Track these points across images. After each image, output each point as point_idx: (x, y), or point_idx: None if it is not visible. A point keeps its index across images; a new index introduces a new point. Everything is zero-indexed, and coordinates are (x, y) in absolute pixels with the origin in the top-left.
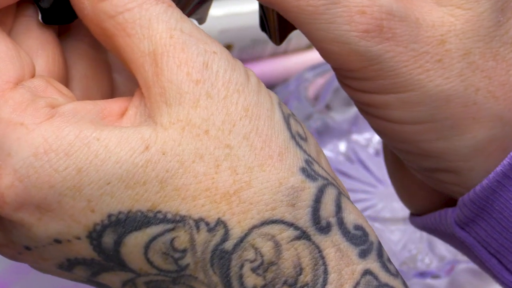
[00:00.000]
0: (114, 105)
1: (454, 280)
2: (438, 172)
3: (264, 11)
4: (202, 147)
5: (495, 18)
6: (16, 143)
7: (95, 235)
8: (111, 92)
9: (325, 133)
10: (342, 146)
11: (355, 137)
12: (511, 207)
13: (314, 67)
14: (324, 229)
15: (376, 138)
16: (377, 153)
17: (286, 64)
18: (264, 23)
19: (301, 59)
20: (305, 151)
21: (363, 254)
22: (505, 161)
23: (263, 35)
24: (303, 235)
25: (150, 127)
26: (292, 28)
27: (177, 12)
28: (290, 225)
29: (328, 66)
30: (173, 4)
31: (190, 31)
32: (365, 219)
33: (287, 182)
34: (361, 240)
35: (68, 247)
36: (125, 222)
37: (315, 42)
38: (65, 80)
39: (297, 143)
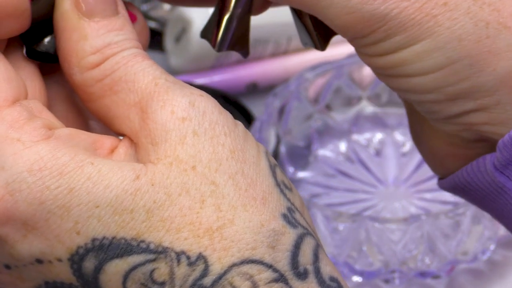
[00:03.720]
0: (106, 140)
1: (454, 280)
2: (466, 115)
3: (301, 20)
4: (189, 182)
5: None
6: (11, 158)
7: (76, 259)
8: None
9: (325, 133)
10: (343, 146)
11: (355, 137)
12: None
13: (314, 67)
14: (302, 275)
15: (376, 138)
16: (377, 153)
17: (287, 64)
18: (304, 33)
19: (301, 59)
20: (288, 199)
21: None
22: None
23: (264, 35)
24: (281, 278)
25: (140, 164)
26: (333, 32)
27: (161, 69)
28: (269, 266)
29: (328, 66)
30: (158, 65)
31: (175, 80)
32: (339, 274)
33: (268, 224)
34: None
35: (48, 268)
36: (108, 248)
37: (325, 21)
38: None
39: (282, 191)
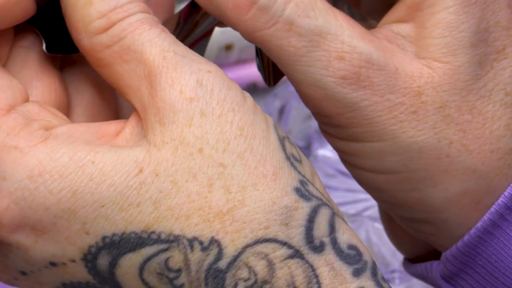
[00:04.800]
0: (109, 126)
1: None
2: (415, 222)
3: (260, 53)
4: (195, 166)
5: (473, 71)
6: (10, 167)
7: (90, 257)
8: (116, 118)
9: None
10: None
11: None
12: (494, 262)
13: None
14: (318, 248)
15: None
16: None
17: None
18: (260, 64)
19: None
20: (299, 172)
21: (357, 273)
22: (486, 217)
23: None
24: (296, 254)
25: (144, 148)
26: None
27: (170, 36)
28: (284, 244)
29: None
30: (166, 30)
31: (184, 52)
32: (359, 239)
33: (280, 201)
34: (355, 259)
35: (63, 270)
36: (119, 244)
37: (294, 84)
38: (65, 107)
39: (292, 164)
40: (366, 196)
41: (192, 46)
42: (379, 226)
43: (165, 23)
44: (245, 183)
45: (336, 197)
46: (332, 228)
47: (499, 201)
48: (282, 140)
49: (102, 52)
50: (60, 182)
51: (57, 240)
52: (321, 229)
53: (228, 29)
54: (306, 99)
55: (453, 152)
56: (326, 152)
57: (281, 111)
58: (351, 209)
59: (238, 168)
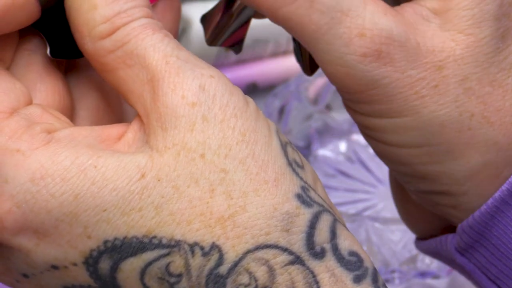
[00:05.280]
0: (111, 129)
1: (454, 280)
2: (434, 195)
3: (298, 41)
4: (197, 172)
5: (494, 44)
6: (13, 170)
7: (91, 261)
8: (120, 122)
9: (326, 133)
10: (343, 146)
11: (356, 137)
12: (510, 233)
13: None
14: (318, 255)
15: None
16: None
17: (287, 64)
18: (298, 53)
19: None
20: (301, 178)
21: (357, 279)
22: (504, 187)
23: (264, 35)
24: (297, 260)
25: (146, 154)
26: None
27: (173, 41)
28: (284, 250)
29: None
30: (170, 35)
31: (186, 57)
32: (360, 246)
33: (281, 207)
34: (356, 265)
35: (65, 273)
36: (121, 248)
37: (318, 63)
38: (69, 111)
39: (294, 170)
40: (366, 196)
41: (230, 38)
42: (379, 226)
43: (169, 29)
44: (247, 189)
45: (336, 197)
46: (333, 235)
47: None
48: (284, 146)
49: (106, 57)
50: (62, 185)
51: (59, 243)
52: (322, 236)
53: None
54: (330, 76)
55: (474, 125)
56: (326, 152)
57: (281, 111)
58: (351, 209)
59: (239, 174)
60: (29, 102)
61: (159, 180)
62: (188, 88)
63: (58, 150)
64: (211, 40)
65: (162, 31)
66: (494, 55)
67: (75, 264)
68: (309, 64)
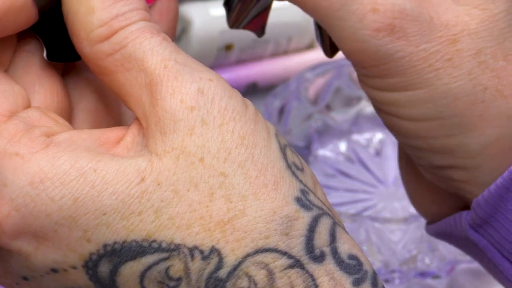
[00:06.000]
0: (110, 133)
1: (454, 280)
2: (447, 169)
3: (318, 24)
4: (197, 176)
5: (509, 20)
6: (12, 173)
7: (91, 265)
8: (119, 125)
9: (325, 133)
10: (343, 146)
11: (355, 137)
12: None
13: (314, 67)
14: (318, 258)
15: (376, 138)
16: (377, 153)
17: (287, 64)
18: (319, 35)
19: (301, 59)
20: (300, 181)
21: (357, 283)
22: None
23: (264, 35)
24: (296, 264)
25: (146, 158)
26: None
27: (171, 45)
28: (284, 253)
29: (328, 66)
30: (168, 38)
31: (185, 61)
32: (359, 249)
33: (281, 211)
34: (355, 269)
35: (64, 276)
36: (120, 252)
37: (334, 39)
38: (67, 113)
39: (293, 173)
40: (366, 196)
41: (252, 22)
42: (379, 226)
43: (167, 31)
44: (246, 192)
45: (336, 197)
46: (332, 238)
47: None
48: (283, 149)
49: (104, 60)
50: (62, 189)
51: (58, 247)
52: (321, 239)
53: (228, 29)
54: (345, 52)
55: (488, 98)
56: (326, 152)
57: (281, 111)
58: (351, 209)
59: (239, 178)
60: (28, 105)
61: (158, 184)
62: (186, 92)
63: (57, 154)
64: (233, 22)
65: (160, 34)
66: (508, 30)
67: (74, 268)
68: (329, 46)
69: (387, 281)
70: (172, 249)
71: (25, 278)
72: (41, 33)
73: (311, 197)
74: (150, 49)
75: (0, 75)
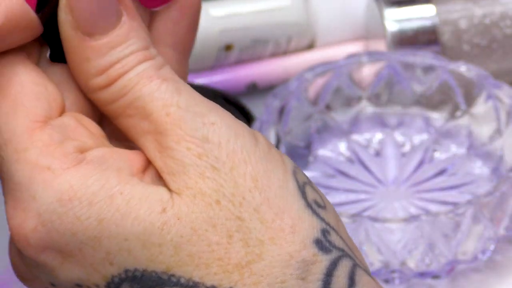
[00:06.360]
0: (140, 157)
1: (454, 280)
2: None
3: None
4: (215, 217)
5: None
6: (41, 187)
7: (113, 286)
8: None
9: (325, 133)
10: (342, 146)
11: (355, 137)
12: None
13: (314, 67)
14: None
15: (376, 138)
16: (377, 153)
17: (286, 64)
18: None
19: (301, 59)
20: (322, 219)
21: None
22: None
23: (264, 35)
24: None
25: (168, 190)
26: None
27: (172, 86)
28: None
29: (328, 66)
30: (169, 77)
31: (187, 105)
32: None
33: (298, 255)
34: None
35: None
36: (141, 279)
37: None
38: (95, 114)
39: (314, 211)
40: (366, 196)
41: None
42: (379, 226)
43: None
44: (263, 237)
45: (336, 197)
46: (351, 282)
47: None
48: (302, 187)
49: (106, 107)
50: (89, 209)
51: (83, 265)
52: (339, 283)
53: (228, 29)
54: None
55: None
56: (326, 152)
57: (281, 111)
58: (351, 209)
59: (255, 222)
60: (62, 109)
61: (178, 219)
62: (191, 140)
63: (88, 173)
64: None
65: (160, 74)
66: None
67: (97, 286)
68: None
69: (387, 281)
70: (191, 286)
71: (53, 285)
72: (44, 35)
73: (333, 237)
74: (150, 95)
75: (32, 70)
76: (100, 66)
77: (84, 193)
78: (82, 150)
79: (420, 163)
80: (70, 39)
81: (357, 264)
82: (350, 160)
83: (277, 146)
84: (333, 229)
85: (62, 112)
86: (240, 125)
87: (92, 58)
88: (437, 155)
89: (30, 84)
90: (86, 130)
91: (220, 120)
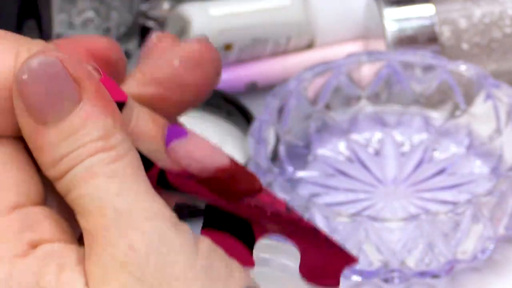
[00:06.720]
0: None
1: (454, 280)
2: None
3: None
4: None
5: None
6: None
7: None
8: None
9: (325, 132)
10: (342, 145)
11: (355, 136)
12: None
13: (313, 67)
14: None
15: (376, 138)
16: (376, 153)
17: (286, 64)
18: None
19: (300, 59)
20: None
21: None
22: None
23: (263, 35)
24: None
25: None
26: None
27: (118, 182)
28: None
29: (328, 66)
30: (119, 173)
31: (124, 208)
32: None
33: None
34: None
35: None
36: None
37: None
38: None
39: None
40: (366, 195)
41: None
42: (378, 225)
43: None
44: None
45: (335, 197)
46: None
47: None
48: None
49: (64, 197)
50: None
51: None
52: None
53: (228, 29)
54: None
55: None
56: (326, 151)
57: (281, 111)
58: (350, 209)
59: None
60: (39, 201)
61: None
62: (116, 249)
63: (25, 267)
64: None
65: (108, 171)
66: None
67: None
68: None
69: (386, 280)
70: None
71: None
72: None
73: None
74: (89, 194)
75: (24, 159)
76: (52, 157)
77: (16, 282)
78: (35, 245)
79: (420, 163)
80: (24, 126)
81: None
82: (349, 160)
83: (277, 145)
84: None
85: (37, 203)
86: (178, 228)
87: (44, 149)
88: (436, 154)
89: (15, 170)
90: (56, 225)
91: (153, 229)
